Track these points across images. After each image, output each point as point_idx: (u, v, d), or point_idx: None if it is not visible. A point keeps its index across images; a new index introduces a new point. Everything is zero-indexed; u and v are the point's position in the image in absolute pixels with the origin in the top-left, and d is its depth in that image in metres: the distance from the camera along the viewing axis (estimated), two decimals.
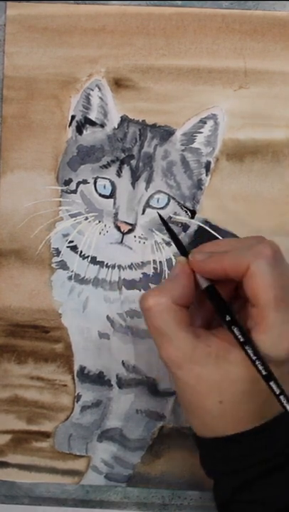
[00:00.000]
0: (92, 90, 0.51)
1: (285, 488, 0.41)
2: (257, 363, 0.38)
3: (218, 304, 0.41)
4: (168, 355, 0.40)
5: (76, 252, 0.52)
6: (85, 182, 0.51)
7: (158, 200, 0.51)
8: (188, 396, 0.41)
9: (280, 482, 0.41)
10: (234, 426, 0.41)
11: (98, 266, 0.52)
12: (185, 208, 0.51)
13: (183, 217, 0.51)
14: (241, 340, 0.39)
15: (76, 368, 0.53)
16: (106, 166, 0.51)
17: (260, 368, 0.38)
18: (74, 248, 0.52)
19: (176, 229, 0.51)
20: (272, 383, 0.38)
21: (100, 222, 0.51)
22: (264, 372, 0.38)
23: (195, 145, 0.51)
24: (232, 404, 0.40)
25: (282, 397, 0.38)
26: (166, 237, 0.51)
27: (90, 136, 0.51)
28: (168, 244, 0.51)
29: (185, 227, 0.51)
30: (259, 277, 0.38)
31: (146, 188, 0.51)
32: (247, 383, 0.39)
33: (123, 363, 0.53)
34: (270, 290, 0.38)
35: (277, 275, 0.38)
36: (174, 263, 0.51)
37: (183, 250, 0.42)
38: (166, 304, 0.40)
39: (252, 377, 0.39)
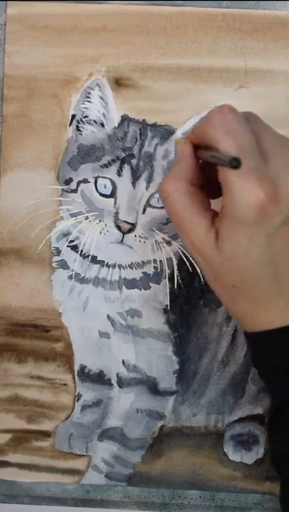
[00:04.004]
0: (93, 89, 0.51)
1: None
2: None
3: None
4: (189, 242, 0.40)
5: (76, 252, 0.52)
6: (85, 181, 0.51)
7: (158, 200, 0.51)
8: (211, 284, 0.41)
9: None
10: (266, 317, 0.40)
11: (98, 265, 0.52)
12: None
13: None
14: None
15: (76, 367, 0.53)
16: (106, 166, 0.51)
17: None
18: (74, 247, 0.52)
19: (176, 228, 0.51)
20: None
21: (100, 221, 0.51)
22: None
23: None
24: (245, 287, 0.39)
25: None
26: (167, 237, 0.51)
27: (91, 135, 0.51)
28: (168, 243, 0.51)
29: None
30: (213, 143, 0.38)
31: (147, 187, 0.51)
32: (243, 259, 0.38)
33: (123, 363, 0.53)
34: (222, 151, 0.37)
35: (228, 136, 0.37)
36: (174, 263, 0.51)
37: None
38: (183, 186, 0.40)
39: (247, 252, 0.38)
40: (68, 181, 0.51)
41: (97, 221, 0.51)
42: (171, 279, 0.52)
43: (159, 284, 0.52)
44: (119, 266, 0.52)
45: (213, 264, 0.40)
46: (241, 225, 0.37)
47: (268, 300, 0.40)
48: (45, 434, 0.54)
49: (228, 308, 0.42)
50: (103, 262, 0.52)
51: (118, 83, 0.51)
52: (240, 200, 0.37)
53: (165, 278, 0.52)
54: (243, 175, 0.37)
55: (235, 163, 0.35)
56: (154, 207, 0.51)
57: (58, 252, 0.52)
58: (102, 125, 0.51)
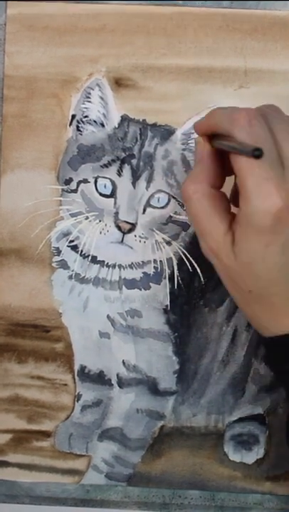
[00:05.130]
0: (93, 89, 0.51)
1: None
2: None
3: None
4: (207, 245, 0.40)
5: (76, 252, 0.52)
6: (85, 181, 0.51)
7: (158, 200, 0.51)
8: (229, 289, 0.41)
9: None
10: (282, 323, 0.40)
11: (99, 265, 0.52)
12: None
13: (183, 217, 0.51)
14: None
15: (76, 367, 0.53)
16: (106, 166, 0.51)
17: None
18: (74, 247, 0.52)
19: (176, 228, 0.51)
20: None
21: (100, 221, 0.51)
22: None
23: None
24: (261, 293, 0.39)
25: None
26: (167, 237, 0.51)
27: (91, 135, 0.51)
28: (168, 243, 0.51)
29: (185, 226, 0.51)
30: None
31: (147, 187, 0.51)
32: (260, 264, 0.38)
33: (123, 363, 0.53)
34: (242, 158, 0.37)
35: (254, 140, 0.37)
36: (174, 263, 0.51)
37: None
38: (203, 189, 0.40)
39: (263, 257, 0.38)
40: (68, 181, 0.51)
41: (97, 221, 0.51)
42: (171, 279, 0.52)
43: (159, 284, 0.52)
44: (119, 266, 0.52)
45: (230, 269, 0.40)
46: (257, 231, 0.37)
47: (286, 306, 0.39)
48: (46, 434, 0.54)
49: (246, 313, 0.42)
50: (103, 262, 0.52)
51: (118, 83, 0.51)
52: (257, 207, 0.37)
53: (165, 278, 0.52)
54: (261, 181, 0.36)
55: (257, 153, 0.35)
56: (154, 207, 0.51)
57: (58, 252, 0.52)
58: (102, 125, 0.51)
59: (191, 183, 0.40)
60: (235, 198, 0.41)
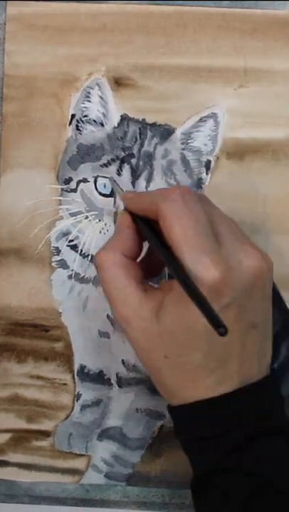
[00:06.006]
0: (92, 89, 0.51)
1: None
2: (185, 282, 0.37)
3: (150, 235, 0.41)
4: (118, 313, 0.41)
5: (76, 251, 0.52)
6: (85, 181, 0.51)
7: None
8: (140, 354, 0.42)
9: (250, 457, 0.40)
10: (192, 391, 0.40)
11: None
12: None
13: None
14: (167, 259, 0.38)
15: (76, 366, 0.53)
16: (106, 165, 0.51)
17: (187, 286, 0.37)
18: (74, 247, 0.52)
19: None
20: (202, 303, 0.36)
21: (100, 221, 0.51)
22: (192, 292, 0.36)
23: (195, 144, 0.51)
24: (177, 360, 0.40)
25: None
26: None
27: (90, 134, 0.51)
28: None
29: None
30: (168, 219, 0.38)
31: (147, 186, 0.51)
32: (184, 333, 0.39)
33: (123, 362, 0.53)
34: (179, 229, 0.38)
35: (185, 215, 0.38)
36: None
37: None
38: (115, 258, 0.41)
39: (189, 327, 0.38)
40: (68, 181, 0.51)
41: (97, 220, 0.51)
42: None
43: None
44: None
45: (148, 335, 0.40)
46: (190, 300, 0.37)
47: (197, 375, 0.40)
48: (45, 434, 0.54)
49: (155, 378, 0.42)
50: None
51: (118, 83, 0.51)
52: (193, 277, 0.37)
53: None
54: (199, 253, 0.37)
55: (222, 331, 0.34)
56: None
57: (58, 251, 0.52)
58: (102, 125, 0.51)
59: (104, 251, 0.42)
60: (149, 266, 0.43)
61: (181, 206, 0.39)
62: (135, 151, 0.51)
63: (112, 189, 0.51)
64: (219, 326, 0.34)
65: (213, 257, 0.37)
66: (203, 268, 0.37)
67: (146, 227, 0.41)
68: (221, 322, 0.34)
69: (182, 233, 0.38)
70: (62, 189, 0.52)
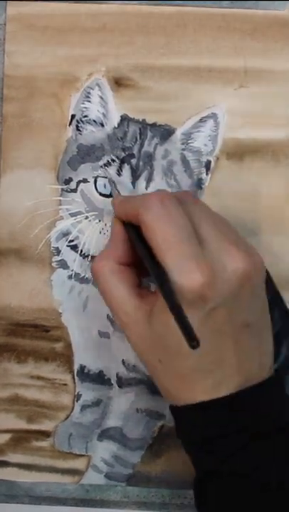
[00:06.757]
0: (93, 89, 0.51)
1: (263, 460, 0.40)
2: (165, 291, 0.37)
3: (137, 242, 0.41)
4: (116, 319, 0.42)
5: (76, 251, 0.52)
6: (85, 181, 0.51)
7: None
8: (139, 357, 0.43)
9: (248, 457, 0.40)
10: (191, 393, 0.41)
11: None
12: None
13: None
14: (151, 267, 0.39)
15: (76, 367, 0.53)
16: (106, 165, 0.51)
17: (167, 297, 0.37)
18: (74, 247, 0.52)
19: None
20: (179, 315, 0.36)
21: (100, 221, 0.51)
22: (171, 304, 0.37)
23: (195, 144, 0.51)
24: (171, 363, 0.40)
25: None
26: None
27: (90, 135, 0.51)
28: None
29: None
30: (148, 226, 0.39)
31: (147, 187, 0.51)
32: (173, 338, 0.38)
33: (123, 362, 0.53)
34: (160, 236, 0.38)
35: (165, 221, 0.39)
36: None
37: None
38: (110, 265, 0.42)
39: (176, 332, 0.38)
40: (68, 181, 0.51)
41: (97, 221, 0.51)
42: None
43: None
44: None
45: (143, 339, 0.41)
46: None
47: (194, 378, 0.40)
48: (45, 434, 0.54)
49: (156, 380, 0.43)
50: None
51: (118, 83, 0.51)
52: (176, 283, 0.37)
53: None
54: (181, 257, 0.37)
55: (194, 344, 0.35)
56: None
57: (58, 251, 0.52)
58: (102, 125, 0.51)
59: (99, 259, 0.43)
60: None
61: (160, 213, 0.39)
62: (135, 152, 0.51)
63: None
64: (192, 340, 0.34)
65: (195, 262, 0.37)
66: (186, 274, 0.37)
67: (133, 233, 0.42)
68: (194, 335, 0.34)
69: (163, 240, 0.38)
70: (62, 189, 0.52)
